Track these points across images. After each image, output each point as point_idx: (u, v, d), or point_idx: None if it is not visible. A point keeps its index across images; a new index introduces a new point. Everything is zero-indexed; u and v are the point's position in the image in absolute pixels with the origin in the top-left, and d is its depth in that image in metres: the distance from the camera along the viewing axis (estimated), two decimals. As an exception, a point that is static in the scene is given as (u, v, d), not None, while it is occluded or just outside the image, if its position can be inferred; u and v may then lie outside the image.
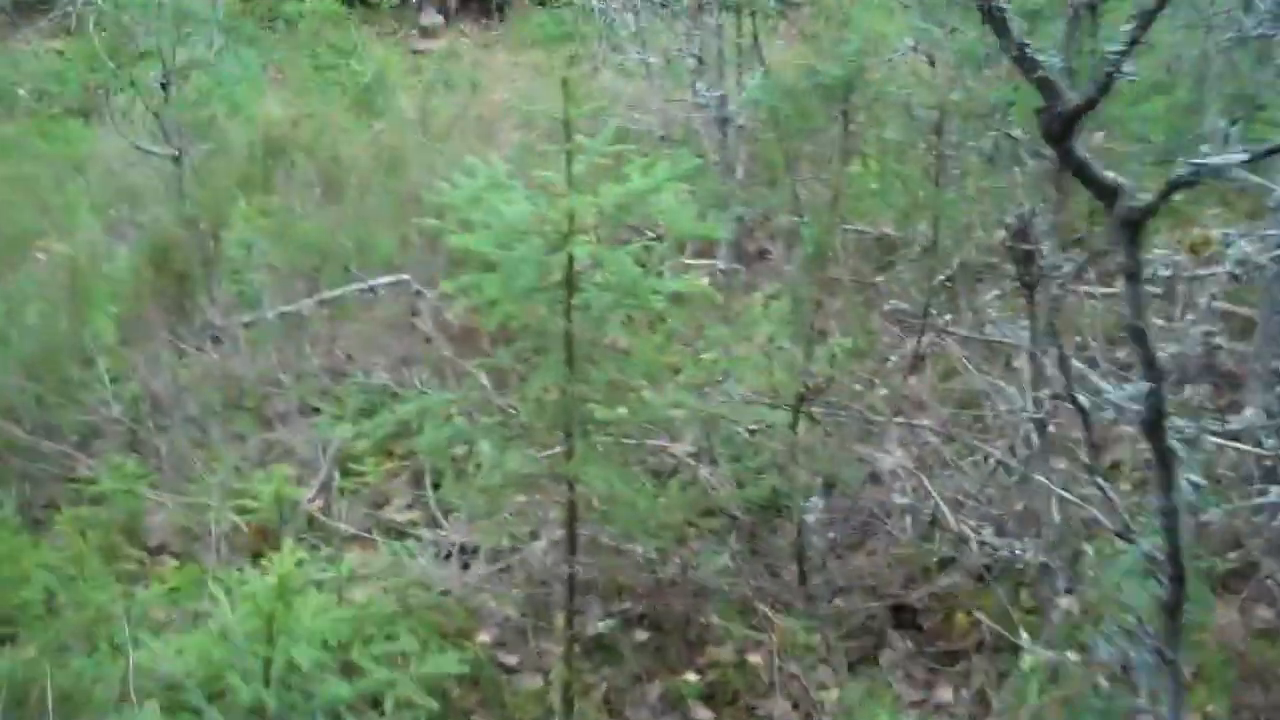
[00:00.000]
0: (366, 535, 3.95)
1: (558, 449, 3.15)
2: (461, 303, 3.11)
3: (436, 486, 4.01)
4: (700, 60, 6.34)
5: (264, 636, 2.59)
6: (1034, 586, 3.18)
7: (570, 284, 2.98)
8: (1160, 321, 3.83)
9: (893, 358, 3.52)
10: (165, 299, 5.09)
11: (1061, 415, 3.11)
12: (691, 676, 3.30)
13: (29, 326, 4.80)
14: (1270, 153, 1.86)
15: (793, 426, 3.11)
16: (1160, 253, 2.53)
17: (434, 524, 3.97)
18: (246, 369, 4.74)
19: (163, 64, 5.68)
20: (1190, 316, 3.60)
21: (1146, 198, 1.87)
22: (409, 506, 4.12)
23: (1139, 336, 1.93)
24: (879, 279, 4.39)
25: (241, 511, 3.97)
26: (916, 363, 3.25)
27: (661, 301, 2.99)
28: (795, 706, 3.17)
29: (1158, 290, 3.41)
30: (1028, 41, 1.82)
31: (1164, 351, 3.69)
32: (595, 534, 3.40)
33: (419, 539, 3.87)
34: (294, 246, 5.26)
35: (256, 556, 3.89)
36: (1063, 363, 2.46)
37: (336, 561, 3.56)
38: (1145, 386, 1.93)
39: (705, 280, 4.61)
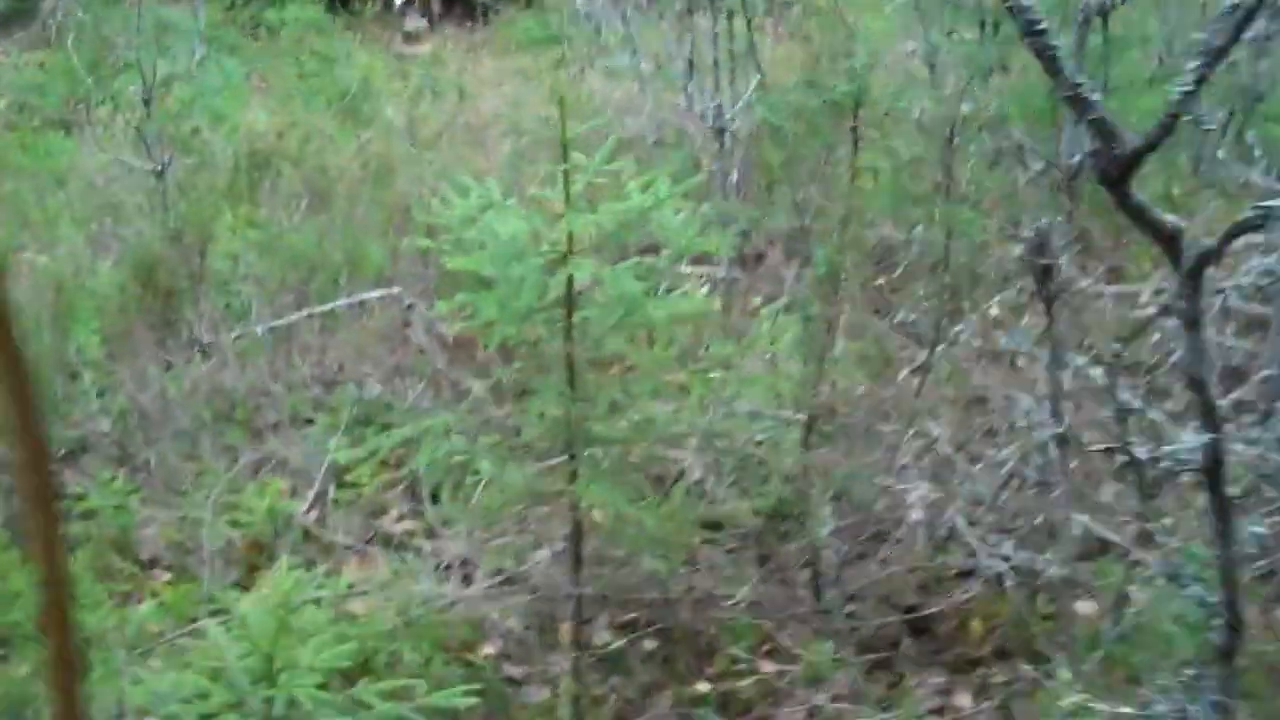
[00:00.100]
0: (364, 547, 3.87)
1: (560, 460, 3.09)
2: (459, 325, 3.04)
3: (435, 497, 3.94)
4: (692, 64, 6.29)
5: (264, 674, 2.51)
6: (1052, 595, 3.12)
7: (570, 304, 2.92)
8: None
9: (904, 370, 3.45)
10: (151, 313, 5.01)
11: (1080, 425, 3.06)
12: (703, 687, 3.23)
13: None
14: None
15: (804, 443, 3.04)
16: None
17: (433, 535, 3.90)
18: (236, 381, 4.65)
19: (143, 79, 5.58)
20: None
21: (1173, 219, 1.82)
22: (407, 517, 4.04)
23: (1199, 386, 1.88)
24: (881, 280, 4.36)
25: (235, 525, 3.90)
26: (928, 373, 3.18)
27: (663, 320, 2.93)
28: (810, 716, 3.10)
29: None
30: (1080, 81, 1.75)
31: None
32: (600, 546, 3.33)
33: (418, 551, 3.79)
34: (281, 259, 5.17)
35: (251, 570, 3.82)
36: (1121, 416, 2.40)
37: (334, 577, 3.49)
38: (1205, 437, 1.87)
39: (705, 288, 4.57)
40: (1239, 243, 2.21)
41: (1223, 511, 1.93)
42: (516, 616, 3.39)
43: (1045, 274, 2.84)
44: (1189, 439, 1.89)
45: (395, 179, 5.90)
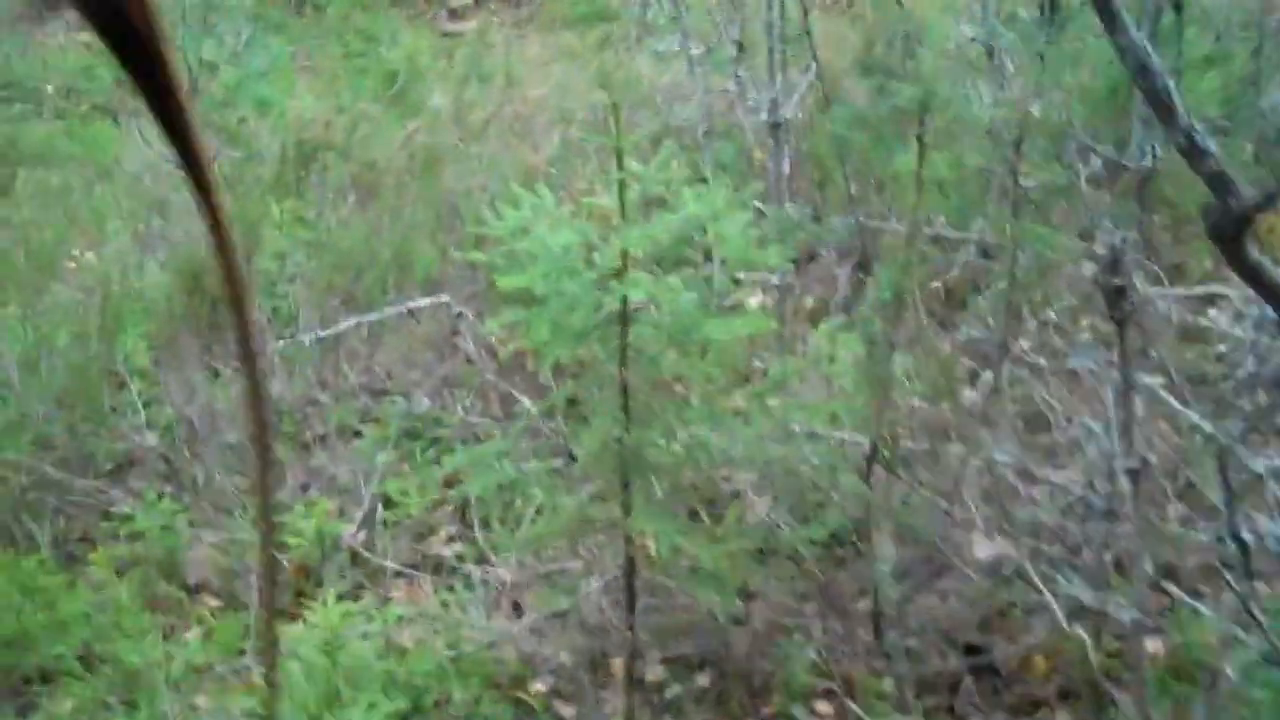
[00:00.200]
0: (412, 572, 3.80)
1: (613, 486, 3.00)
2: (510, 347, 2.95)
3: (485, 522, 3.86)
4: (741, 47, 6.13)
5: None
6: (1119, 632, 3.00)
7: (625, 322, 2.81)
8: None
9: (968, 390, 3.33)
10: (197, 319, 4.94)
11: (1154, 456, 2.92)
12: (758, 726, 3.15)
13: (60, 349, 4.67)
14: None
15: (865, 479, 2.93)
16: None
17: (483, 559, 3.81)
18: (284, 390, 4.59)
19: (188, 68, 5.48)
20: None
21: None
22: (456, 540, 3.96)
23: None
24: (937, 283, 4.22)
25: (282, 548, 3.84)
26: (993, 394, 3.05)
27: (720, 339, 2.82)
28: (870, 758, 3.01)
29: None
30: (1197, 126, 1.62)
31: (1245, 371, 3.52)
32: (654, 576, 3.25)
33: (467, 577, 3.72)
34: (329, 259, 5.10)
35: (298, 595, 3.76)
36: (1229, 505, 2.27)
37: (382, 609, 3.43)
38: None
39: (758, 295, 4.45)
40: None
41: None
42: (567, 651, 3.31)
43: (1118, 295, 2.69)
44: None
45: (442, 172, 5.80)
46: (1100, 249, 2.58)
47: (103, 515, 4.12)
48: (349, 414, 4.47)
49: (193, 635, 3.58)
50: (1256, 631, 2.32)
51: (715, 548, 2.93)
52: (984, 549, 3.00)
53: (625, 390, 2.84)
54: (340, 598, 3.38)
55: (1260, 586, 2.70)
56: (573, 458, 3.32)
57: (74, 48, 10.15)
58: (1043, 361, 3.30)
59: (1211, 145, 1.67)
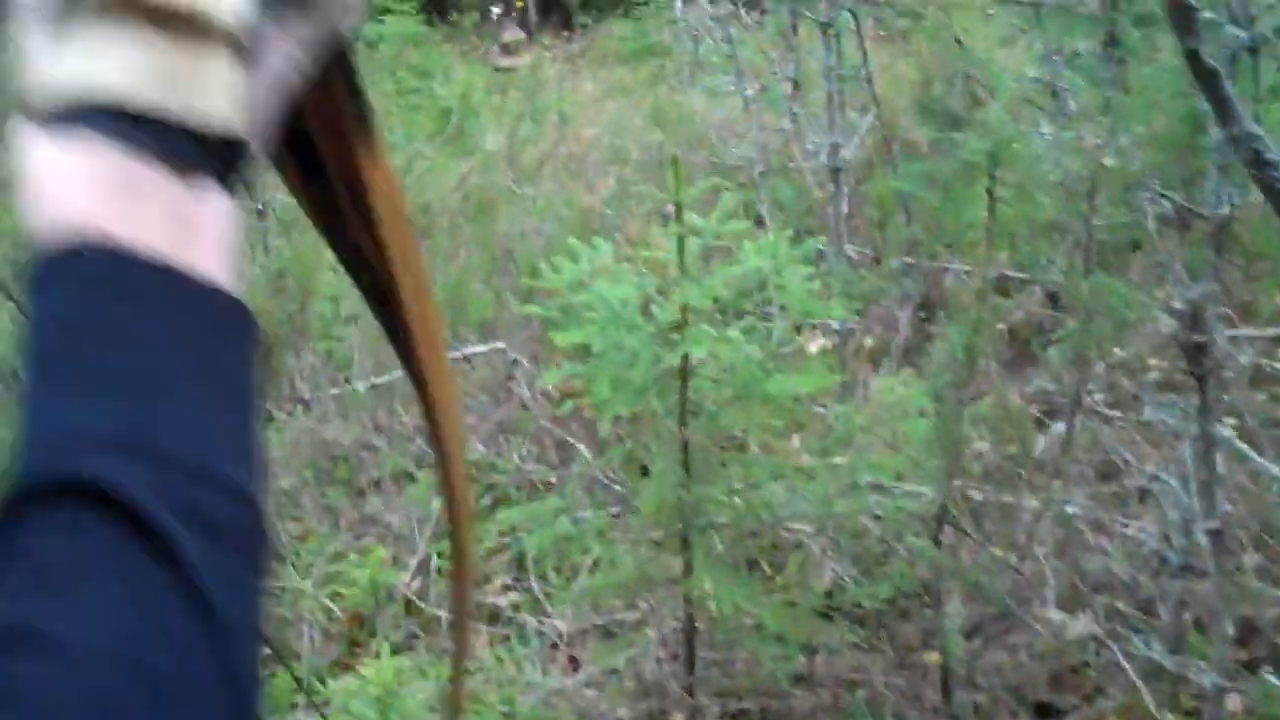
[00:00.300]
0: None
1: (672, 541, 2.94)
2: (568, 404, 2.90)
3: (541, 572, 3.80)
4: (796, 85, 6.09)
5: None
6: (1197, 692, 2.90)
7: (685, 379, 2.75)
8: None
9: (1040, 442, 3.24)
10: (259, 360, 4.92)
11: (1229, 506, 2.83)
12: (821, 790, 3.07)
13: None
14: None
15: (935, 539, 2.85)
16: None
17: (538, 608, 3.75)
18: (339, 434, 4.56)
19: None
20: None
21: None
22: (511, 589, 3.90)
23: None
24: (1002, 325, 4.13)
25: (336, 597, 3.80)
26: (1066, 446, 2.97)
27: (782, 396, 2.75)
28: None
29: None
30: (1262, 136, 1.55)
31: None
32: (713, 629, 3.18)
33: (522, 627, 3.66)
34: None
35: (352, 645, 3.72)
36: None
37: (436, 664, 3.38)
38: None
39: (819, 341, 4.39)
40: None
41: None
42: (625, 708, 3.24)
43: (1199, 351, 2.60)
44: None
45: (496, 214, 5.77)
46: (1179, 304, 2.50)
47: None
48: (403, 459, 4.43)
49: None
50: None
51: (778, 607, 2.86)
52: (1058, 615, 2.91)
53: (685, 447, 2.78)
54: (394, 648, 3.33)
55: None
56: (631, 506, 3.26)
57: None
58: (1117, 413, 3.21)
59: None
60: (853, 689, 3.23)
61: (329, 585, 3.80)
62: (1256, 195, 2.89)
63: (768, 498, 2.88)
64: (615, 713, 3.27)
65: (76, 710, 0.45)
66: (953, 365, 2.56)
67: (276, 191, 5.84)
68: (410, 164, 6.54)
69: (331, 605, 3.75)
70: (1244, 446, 3.01)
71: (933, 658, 3.25)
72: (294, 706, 3.40)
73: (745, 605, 2.72)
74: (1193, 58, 1.75)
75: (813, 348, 4.31)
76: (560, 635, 3.59)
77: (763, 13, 7.71)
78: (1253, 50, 3.19)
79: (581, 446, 3.95)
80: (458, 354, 4.58)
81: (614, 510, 3.78)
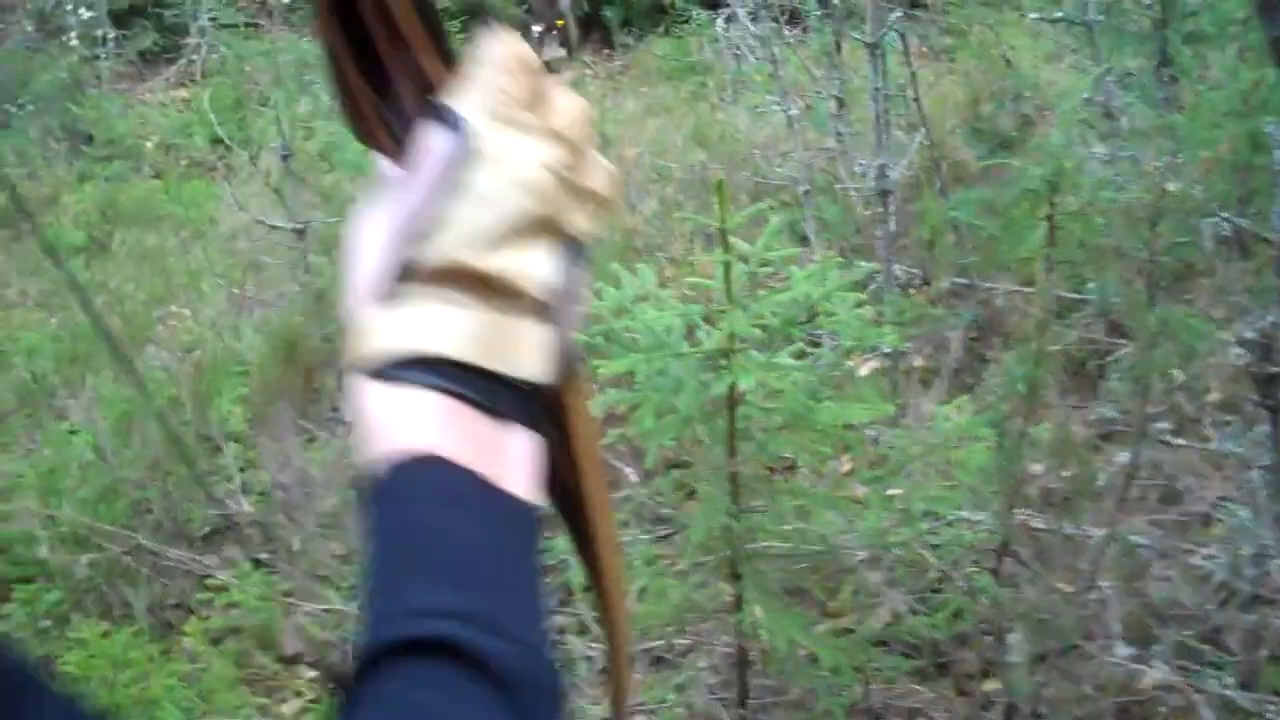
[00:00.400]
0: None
1: (721, 569, 2.88)
2: (612, 435, 2.84)
3: (586, 589, 3.74)
4: (841, 103, 6.02)
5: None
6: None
7: (732, 406, 2.69)
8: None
9: (1102, 473, 3.15)
10: (293, 383, 4.90)
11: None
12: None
13: (154, 413, 4.64)
14: None
15: (995, 572, 2.77)
16: None
17: (584, 630, 3.69)
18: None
19: (281, 134, 5.46)
20: None
21: None
22: (558, 610, 3.84)
23: None
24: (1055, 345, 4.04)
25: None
26: (1131, 478, 2.88)
27: (832, 426, 2.69)
28: None
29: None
30: None
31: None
32: (764, 660, 3.11)
33: (568, 650, 3.60)
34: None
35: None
36: None
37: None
38: None
39: (870, 363, 4.31)
40: None
41: None
42: (675, 737, 3.17)
43: (1270, 382, 2.53)
44: None
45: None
46: (1250, 333, 2.42)
47: (198, 581, 4.06)
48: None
49: (290, 708, 3.51)
50: None
51: (832, 638, 2.79)
52: (1125, 650, 2.83)
53: (734, 478, 2.72)
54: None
55: None
56: (679, 532, 3.21)
57: (173, 103, 10.29)
58: (1181, 441, 3.12)
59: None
60: (912, 719, 3.16)
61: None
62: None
63: (820, 527, 2.81)
64: (664, 744, 3.21)
65: None
66: (1011, 396, 2.48)
67: (316, 211, 5.83)
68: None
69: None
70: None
71: (992, 686, 3.18)
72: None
73: (798, 638, 2.64)
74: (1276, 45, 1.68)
75: (864, 370, 4.24)
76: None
77: (805, 29, 7.65)
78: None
79: (629, 470, 3.89)
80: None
81: (662, 533, 3.73)
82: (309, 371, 4.83)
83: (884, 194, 4.27)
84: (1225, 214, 2.96)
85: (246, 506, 4.32)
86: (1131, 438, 2.84)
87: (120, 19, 11.43)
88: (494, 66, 0.70)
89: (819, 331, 3.55)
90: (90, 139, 9.12)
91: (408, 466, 0.66)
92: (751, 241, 2.77)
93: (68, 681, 3.30)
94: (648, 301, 2.85)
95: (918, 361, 4.61)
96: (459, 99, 0.69)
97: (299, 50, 9.04)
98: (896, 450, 2.89)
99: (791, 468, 3.57)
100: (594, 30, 11.35)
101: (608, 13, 11.35)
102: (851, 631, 3.13)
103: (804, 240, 5.06)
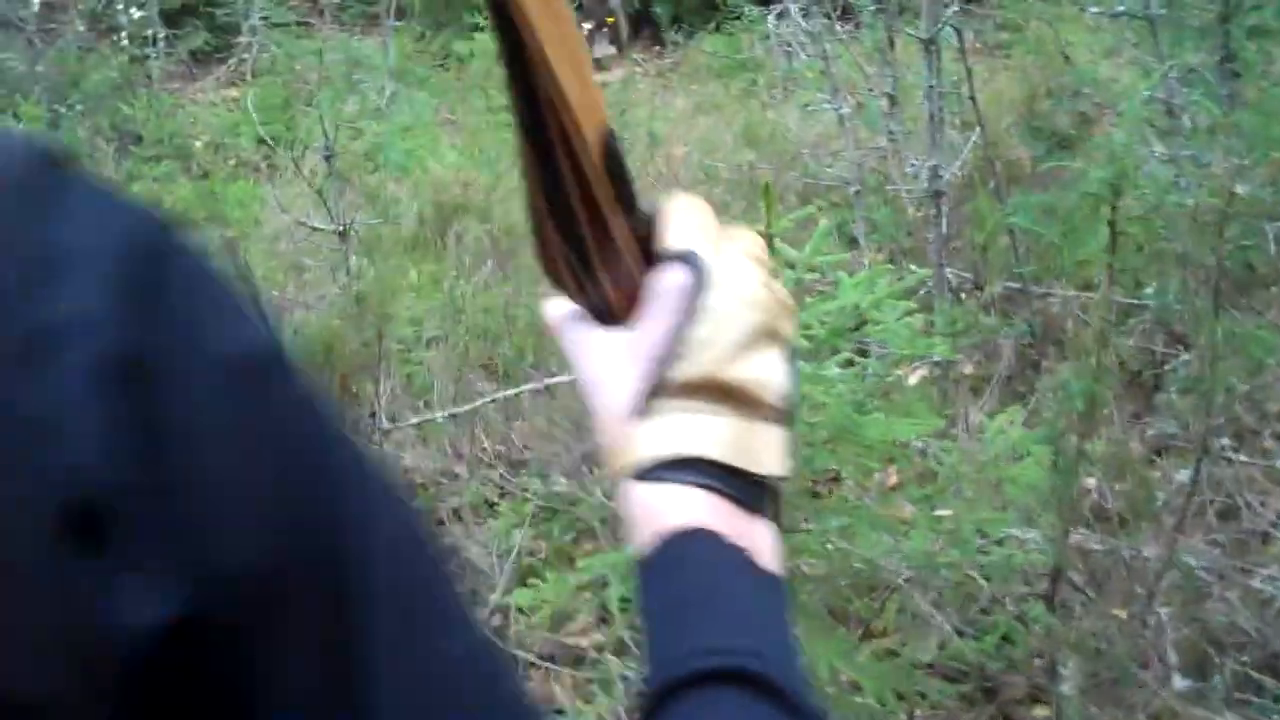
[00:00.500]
0: (547, 665, 3.60)
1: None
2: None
3: (624, 604, 3.64)
4: (894, 101, 5.88)
5: None
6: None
7: (776, 420, 2.57)
8: None
9: (1160, 493, 3.01)
10: (330, 385, 4.83)
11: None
12: None
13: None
14: None
15: (1048, 598, 2.64)
16: None
17: (622, 649, 3.59)
18: (419, 460, 4.45)
19: (325, 135, 5.38)
20: None
21: None
22: (593, 629, 3.75)
23: None
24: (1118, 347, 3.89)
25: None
26: (1191, 498, 2.74)
27: (879, 440, 2.57)
28: None
29: None
30: None
31: None
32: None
33: (604, 670, 3.50)
34: (466, 325, 4.96)
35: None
36: None
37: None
38: None
39: (920, 372, 4.18)
40: None
41: None
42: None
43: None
44: None
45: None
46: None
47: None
48: (485, 488, 4.30)
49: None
50: None
51: (875, 665, 2.67)
52: (1183, 683, 2.69)
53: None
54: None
55: None
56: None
57: (223, 103, 10.29)
58: (1243, 458, 2.98)
59: None
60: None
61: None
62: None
63: (865, 550, 2.70)
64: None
65: None
66: (1068, 412, 2.35)
67: (359, 213, 5.77)
68: (497, 182, 6.44)
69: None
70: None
71: (1041, 713, 3.06)
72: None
73: (840, 666, 2.53)
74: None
75: (912, 379, 4.11)
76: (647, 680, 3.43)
77: (858, 25, 7.51)
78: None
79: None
80: (539, 384, 4.45)
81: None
82: (345, 376, 4.76)
83: (936, 195, 4.13)
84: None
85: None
86: (1190, 453, 2.69)
87: (171, 18, 11.44)
88: (690, 210, 0.82)
89: (867, 340, 3.44)
90: (139, 139, 9.11)
91: (686, 535, 0.71)
92: (799, 246, 2.66)
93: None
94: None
95: (968, 369, 4.47)
96: (680, 239, 0.79)
97: (349, 49, 9.01)
98: (945, 467, 2.77)
99: (836, 479, 3.47)
100: (644, 27, 11.25)
101: (658, 9, 11.25)
102: (895, 654, 3.01)
103: (853, 242, 4.93)
